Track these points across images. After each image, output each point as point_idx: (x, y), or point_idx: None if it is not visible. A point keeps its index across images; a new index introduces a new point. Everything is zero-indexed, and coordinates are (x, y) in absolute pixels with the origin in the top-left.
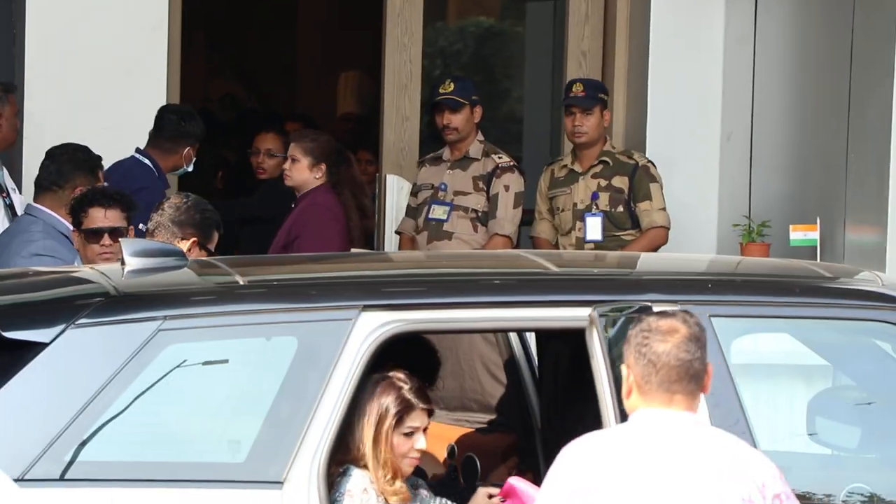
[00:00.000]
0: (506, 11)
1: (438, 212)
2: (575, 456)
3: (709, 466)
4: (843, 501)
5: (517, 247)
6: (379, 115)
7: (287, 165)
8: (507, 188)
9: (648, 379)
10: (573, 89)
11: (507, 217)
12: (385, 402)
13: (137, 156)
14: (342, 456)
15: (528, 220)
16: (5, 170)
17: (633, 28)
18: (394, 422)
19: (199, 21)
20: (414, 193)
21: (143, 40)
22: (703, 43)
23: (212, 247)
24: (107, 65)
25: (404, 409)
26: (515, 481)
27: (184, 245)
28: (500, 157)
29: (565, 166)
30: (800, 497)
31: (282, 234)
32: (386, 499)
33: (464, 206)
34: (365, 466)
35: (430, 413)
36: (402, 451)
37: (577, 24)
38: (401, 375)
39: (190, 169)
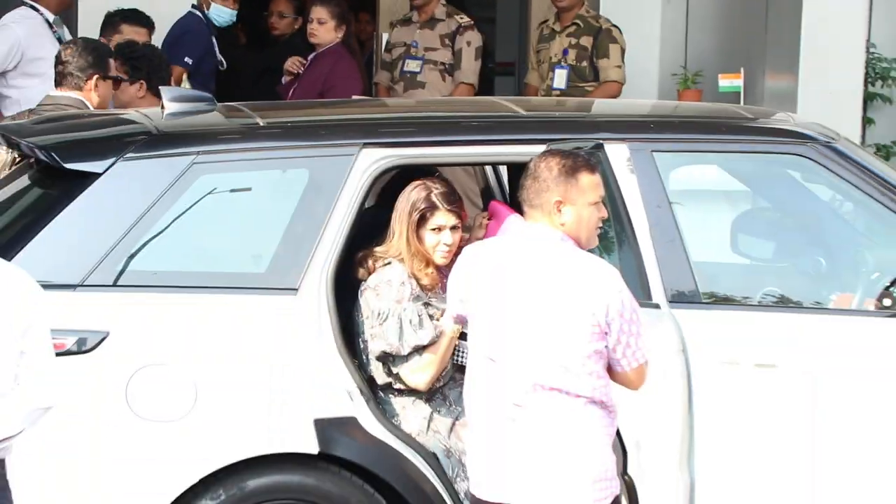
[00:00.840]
0: None
1: (412, 65)
2: (461, 265)
3: (560, 276)
4: (759, 301)
5: (485, 92)
6: None
7: (314, 26)
8: (469, 44)
9: (527, 196)
10: None
11: (470, 68)
12: (413, 199)
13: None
14: (384, 251)
15: (501, 71)
16: (65, 27)
17: None
18: (418, 217)
19: None
20: (388, 50)
21: None
22: None
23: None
24: None
25: (429, 207)
26: (498, 203)
27: (90, 85)
28: (461, 18)
29: (549, 26)
30: (724, 299)
31: (316, 84)
32: (418, 280)
33: (433, 60)
34: (402, 260)
35: (457, 216)
36: (431, 243)
37: None
38: (433, 181)
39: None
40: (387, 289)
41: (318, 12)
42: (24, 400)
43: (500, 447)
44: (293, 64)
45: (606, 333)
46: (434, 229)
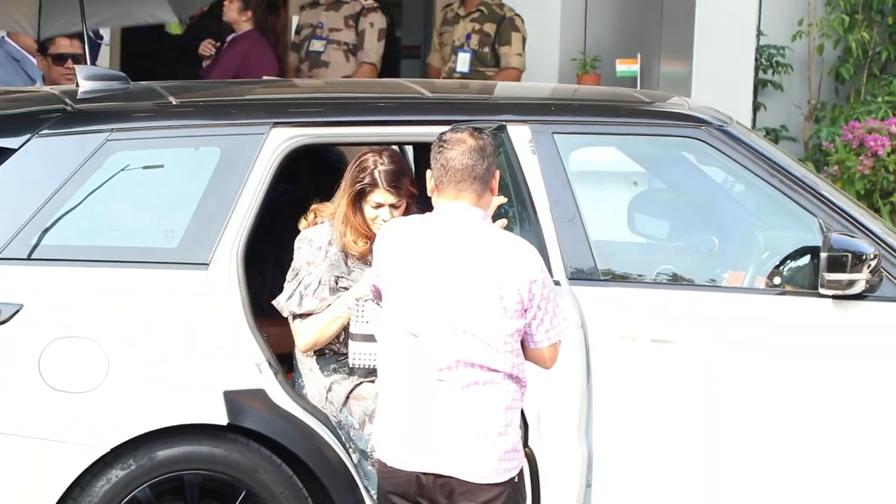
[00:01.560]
0: None
1: (317, 45)
2: (380, 240)
3: (482, 255)
4: (654, 278)
5: (391, 74)
6: None
7: (225, 3)
8: (372, 25)
9: (441, 180)
10: None
11: (373, 48)
12: (355, 172)
13: None
14: (323, 210)
15: (407, 54)
16: None
17: None
18: (358, 189)
19: None
20: (297, 32)
21: None
22: None
23: None
24: None
25: (370, 183)
26: None
27: None
28: (366, 0)
29: (453, 10)
30: (621, 277)
31: (231, 66)
32: (346, 248)
33: (337, 40)
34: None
35: (398, 195)
36: (370, 216)
37: None
38: (380, 155)
39: None
40: (306, 247)
41: None
42: None
43: (422, 419)
44: (206, 47)
45: (527, 310)
46: (374, 205)
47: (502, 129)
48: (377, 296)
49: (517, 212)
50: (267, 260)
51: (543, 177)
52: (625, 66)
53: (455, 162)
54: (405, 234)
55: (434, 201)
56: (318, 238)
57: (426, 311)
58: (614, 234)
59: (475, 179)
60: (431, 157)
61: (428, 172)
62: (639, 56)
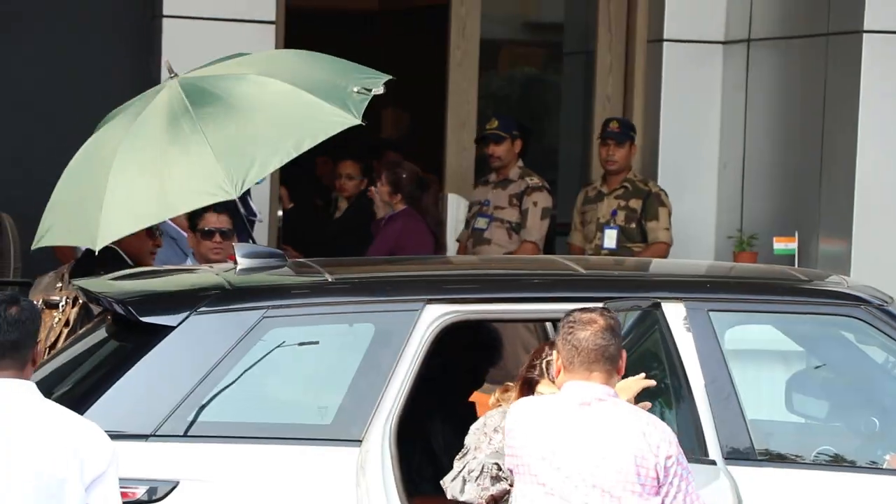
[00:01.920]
0: (546, 62)
1: (481, 223)
2: (514, 420)
3: (615, 430)
4: (813, 459)
5: (547, 251)
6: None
7: (377, 189)
8: (535, 204)
9: (572, 360)
10: (610, 125)
11: (535, 227)
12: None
13: None
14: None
15: (561, 231)
16: None
17: (648, 77)
18: (526, 377)
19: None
20: (469, 209)
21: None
22: (704, 90)
23: None
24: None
25: (539, 375)
26: None
27: None
28: (531, 179)
29: (596, 188)
30: (779, 457)
31: (388, 242)
32: None
33: (500, 218)
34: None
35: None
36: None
37: (603, 73)
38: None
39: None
40: (478, 429)
41: (346, 167)
42: None
43: None
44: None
45: (661, 485)
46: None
47: (657, 306)
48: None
49: (672, 388)
50: (436, 433)
51: (698, 354)
52: (782, 244)
53: (587, 342)
54: (535, 415)
55: (558, 382)
56: (490, 422)
57: (565, 491)
58: (771, 412)
59: (607, 360)
60: (559, 337)
61: (553, 353)
62: (796, 234)
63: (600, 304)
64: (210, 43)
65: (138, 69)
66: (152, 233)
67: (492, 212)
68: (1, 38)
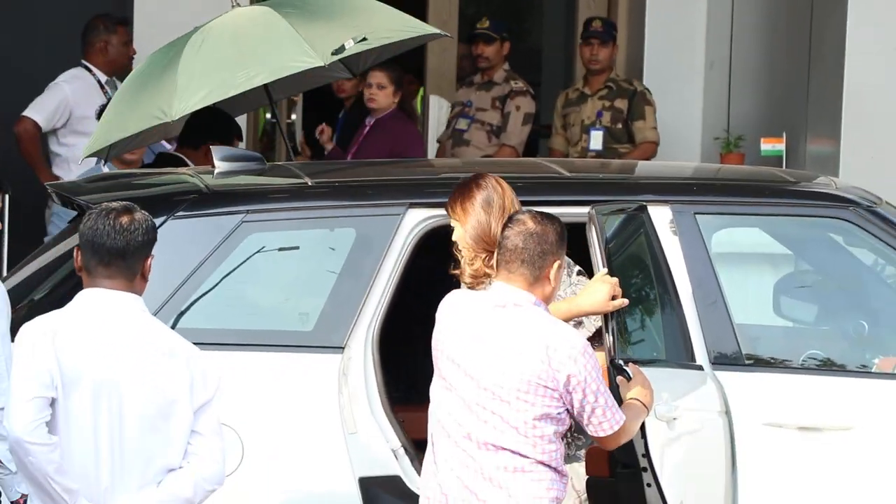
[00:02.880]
0: None
1: (462, 124)
2: (440, 311)
3: (521, 341)
4: (801, 363)
5: (528, 156)
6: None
7: (373, 91)
8: (518, 108)
9: (499, 259)
10: (593, 24)
11: (515, 132)
12: None
13: None
14: None
15: (545, 134)
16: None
17: None
18: None
19: None
20: (451, 109)
21: None
22: None
23: None
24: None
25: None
26: None
27: None
28: (516, 83)
29: (577, 89)
30: (766, 361)
31: (381, 150)
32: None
33: (481, 120)
34: None
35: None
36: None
37: None
38: None
39: None
40: None
41: (378, 77)
42: (199, 478)
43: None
44: (324, 136)
45: (566, 403)
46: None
47: (643, 209)
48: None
49: (658, 294)
50: (418, 341)
51: (685, 258)
52: (770, 145)
53: (508, 241)
54: (459, 308)
55: (492, 279)
56: None
57: (461, 390)
58: (759, 317)
59: (525, 263)
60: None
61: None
62: (784, 135)
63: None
64: None
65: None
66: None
67: (473, 113)
68: None
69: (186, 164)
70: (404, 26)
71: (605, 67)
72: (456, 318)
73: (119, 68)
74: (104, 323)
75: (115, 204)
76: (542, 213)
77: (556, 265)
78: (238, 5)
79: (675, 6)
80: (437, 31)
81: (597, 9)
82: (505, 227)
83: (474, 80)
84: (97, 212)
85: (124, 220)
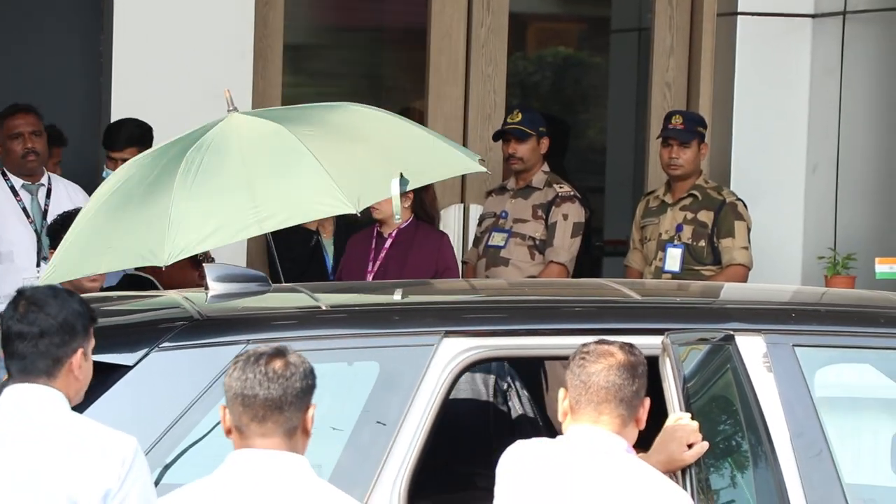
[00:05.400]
0: (586, 42)
1: (497, 238)
2: (507, 463)
3: (620, 499)
4: None
5: (579, 276)
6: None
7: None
8: (565, 217)
9: (579, 399)
10: (672, 121)
11: (564, 245)
12: None
13: None
14: None
15: (610, 252)
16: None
17: (718, 59)
18: None
19: None
20: (479, 223)
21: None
22: (789, 74)
23: None
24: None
25: None
26: None
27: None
28: (561, 187)
29: (658, 197)
30: None
31: (420, 268)
32: None
33: (521, 234)
34: None
35: None
36: None
37: (662, 55)
38: None
39: None
40: None
41: None
42: None
43: None
44: None
45: None
46: None
47: (730, 339)
48: None
49: (749, 444)
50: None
51: (782, 400)
52: (886, 266)
53: (598, 378)
54: (528, 463)
55: (564, 427)
56: None
57: None
58: (873, 476)
59: (620, 402)
60: (569, 371)
61: (560, 391)
62: None
63: (627, 339)
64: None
65: (87, 48)
66: (198, 262)
67: (510, 226)
68: None
69: (156, 288)
70: (443, 163)
71: (688, 173)
72: (530, 475)
73: (25, 171)
74: (260, 490)
75: (262, 347)
76: (622, 342)
77: (647, 403)
78: (236, 109)
79: (770, 95)
80: (478, 165)
81: (674, 99)
82: (582, 359)
83: (507, 187)
84: (244, 358)
85: (278, 365)
